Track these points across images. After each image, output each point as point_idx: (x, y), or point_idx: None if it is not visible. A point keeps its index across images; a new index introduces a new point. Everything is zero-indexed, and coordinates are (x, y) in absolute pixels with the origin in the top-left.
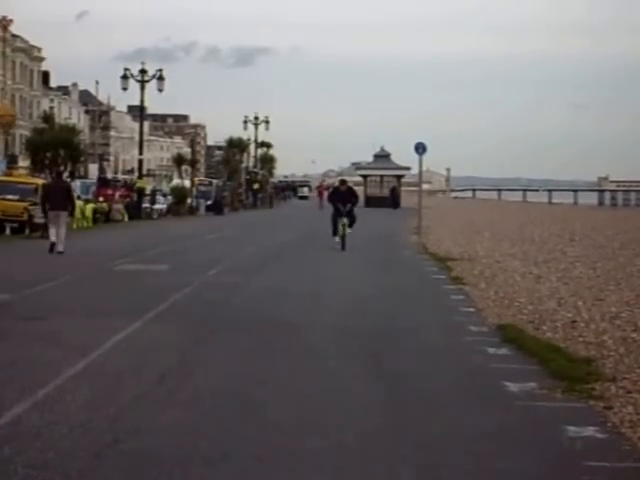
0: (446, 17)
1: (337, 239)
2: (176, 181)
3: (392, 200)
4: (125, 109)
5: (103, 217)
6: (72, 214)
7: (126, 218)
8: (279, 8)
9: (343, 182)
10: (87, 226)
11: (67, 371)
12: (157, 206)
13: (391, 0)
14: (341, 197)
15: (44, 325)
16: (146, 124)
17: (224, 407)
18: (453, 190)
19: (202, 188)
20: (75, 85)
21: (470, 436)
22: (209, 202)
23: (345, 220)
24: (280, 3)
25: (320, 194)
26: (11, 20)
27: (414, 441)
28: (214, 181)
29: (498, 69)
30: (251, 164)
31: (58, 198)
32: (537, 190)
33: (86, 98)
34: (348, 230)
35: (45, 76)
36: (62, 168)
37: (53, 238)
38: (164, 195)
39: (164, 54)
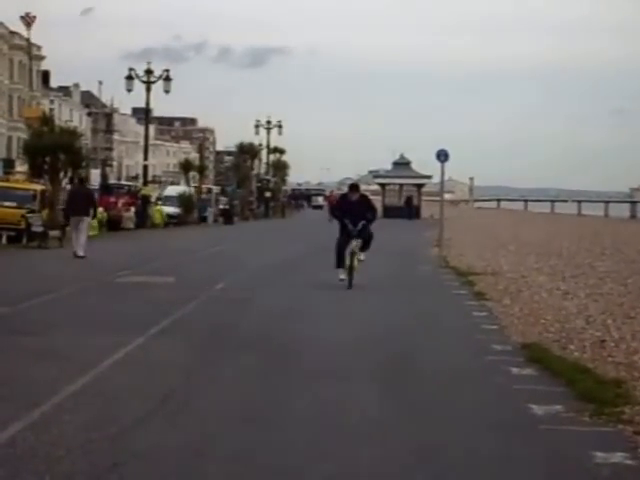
0: (472, 18)
1: (342, 274)
2: (170, 188)
3: (408, 210)
4: (129, 112)
5: (104, 226)
6: (94, 218)
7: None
8: (295, 6)
9: (354, 187)
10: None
11: (65, 389)
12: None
13: (411, 1)
14: (351, 209)
15: (41, 340)
16: (152, 128)
17: (230, 430)
18: (477, 200)
19: (202, 196)
20: (77, 86)
21: (492, 462)
22: (208, 210)
23: (355, 243)
24: (296, 1)
25: (330, 203)
26: (34, 17)
27: (432, 468)
28: (214, 188)
29: (527, 75)
30: (263, 171)
31: (81, 204)
32: (566, 201)
33: (88, 99)
34: (360, 257)
35: (45, 76)
36: (63, 173)
37: (76, 247)
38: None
39: (173, 54)
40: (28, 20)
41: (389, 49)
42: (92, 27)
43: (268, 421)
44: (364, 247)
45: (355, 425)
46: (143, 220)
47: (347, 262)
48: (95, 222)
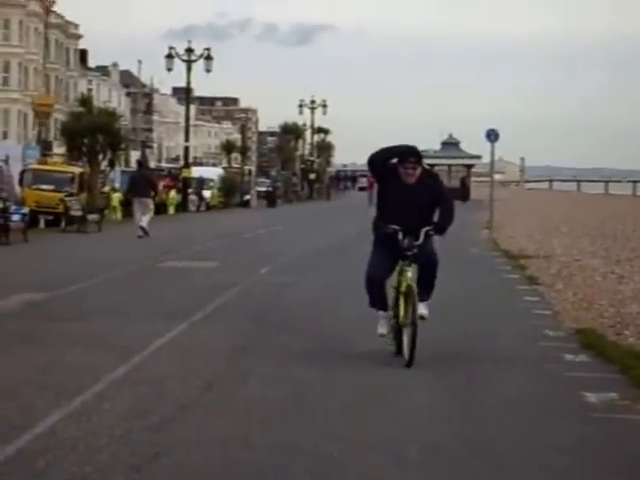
0: None
1: (383, 326)
2: (195, 169)
3: (461, 192)
4: (170, 91)
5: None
6: (154, 200)
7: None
8: None
9: (413, 156)
10: (115, 218)
11: (106, 377)
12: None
13: None
14: (404, 202)
15: (82, 327)
16: (192, 108)
17: (276, 418)
18: (528, 181)
19: (244, 178)
20: (115, 65)
21: (545, 450)
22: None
23: (410, 275)
24: None
25: (371, 185)
26: (54, 1)
27: (485, 456)
28: (252, 170)
29: (577, 50)
30: (307, 152)
31: (142, 186)
32: (620, 181)
33: (127, 79)
34: (422, 311)
35: (83, 55)
36: (101, 156)
37: (140, 223)
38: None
39: (217, 31)
40: (47, 4)
41: (437, 28)
42: (133, 4)
43: (312, 408)
44: (426, 287)
45: (408, 414)
46: (185, 203)
47: (396, 310)
48: (116, 203)
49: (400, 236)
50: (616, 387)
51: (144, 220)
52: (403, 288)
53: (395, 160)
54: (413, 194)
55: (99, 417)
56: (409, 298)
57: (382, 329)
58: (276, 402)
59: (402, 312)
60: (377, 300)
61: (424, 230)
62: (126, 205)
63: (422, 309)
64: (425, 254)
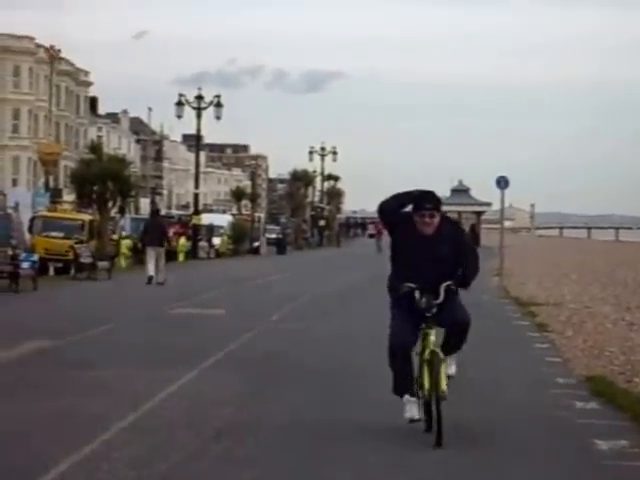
0: (533, 40)
1: (411, 409)
2: (205, 215)
3: (472, 238)
4: (180, 138)
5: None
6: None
7: (181, 257)
8: (353, 30)
9: (430, 201)
10: (125, 266)
11: (115, 425)
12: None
13: (472, 23)
14: (422, 255)
15: (92, 374)
16: (202, 155)
17: (285, 469)
18: (538, 228)
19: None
20: (125, 112)
21: None
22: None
23: (433, 337)
24: (356, 24)
25: (379, 232)
26: (59, 50)
27: None
28: (262, 216)
29: (588, 98)
30: (317, 199)
31: (155, 234)
32: (631, 228)
33: (137, 126)
34: (450, 370)
35: (93, 102)
36: (111, 203)
37: (151, 272)
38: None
39: (227, 78)
40: (53, 53)
41: (447, 75)
42: (144, 51)
43: (322, 459)
44: (453, 344)
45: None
46: (195, 250)
47: (420, 379)
48: (125, 250)
49: (417, 295)
50: (627, 434)
51: (160, 268)
52: (426, 355)
53: (409, 207)
54: (431, 246)
55: (108, 465)
56: (433, 367)
57: (410, 412)
58: (285, 453)
59: (427, 384)
60: (401, 378)
61: (444, 286)
62: (135, 252)
63: (452, 368)
64: (451, 315)
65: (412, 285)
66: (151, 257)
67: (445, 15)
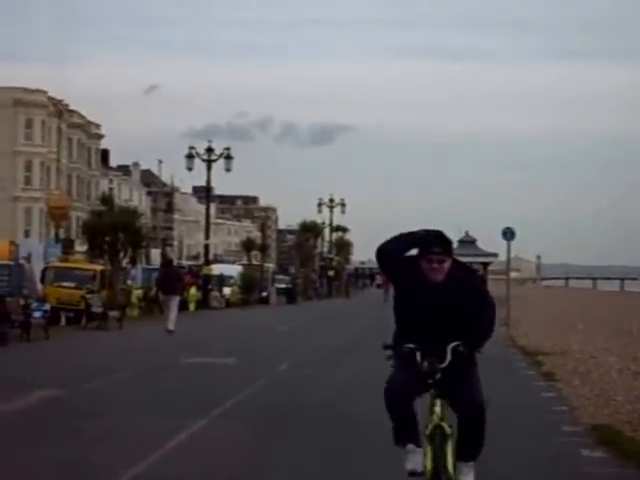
0: (538, 91)
1: (412, 461)
2: (215, 266)
3: None
4: (190, 190)
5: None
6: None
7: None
8: (362, 84)
9: (440, 244)
10: (133, 315)
11: (126, 473)
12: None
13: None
14: (428, 299)
15: (102, 423)
16: (213, 206)
17: None
18: (544, 278)
19: (264, 275)
20: (136, 165)
21: None
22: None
23: (439, 408)
24: (362, 78)
25: (385, 282)
26: (67, 105)
27: None
28: (270, 267)
29: (591, 152)
30: (326, 249)
31: (171, 283)
32: (636, 279)
33: (148, 178)
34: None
35: (104, 155)
36: (122, 253)
37: (170, 326)
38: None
39: (237, 131)
40: (60, 108)
41: (453, 128)
42: (155, 105)
43: None
44: (468, 442)
45: None
46: (206, 299)
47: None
48: (135, 300)
49: (418, 357)
50: None
51: (171, 316)
52: (428, 430)
53: (415, 251)
54: (439, 296)
55: None
56: (436, 444)
57: (412, 463)
58: None
59: (428, 465)
60: (401, 424)
61: (451, 347)
62: (147, 302)
63: (464, 474)
64: (462, 393)
65: (412, 345)
66: (167, 306)
67: (450, 71)
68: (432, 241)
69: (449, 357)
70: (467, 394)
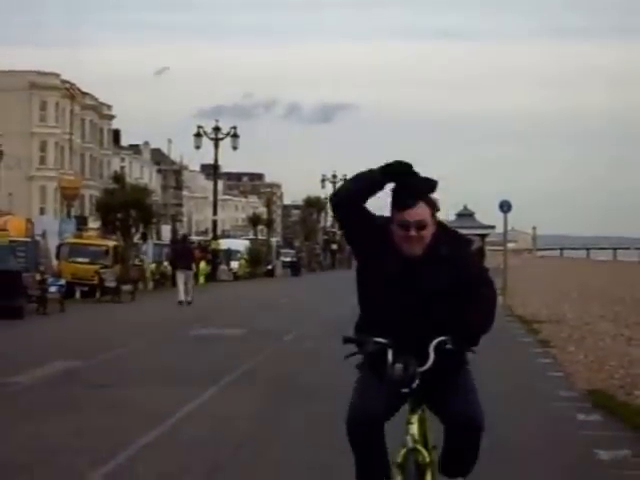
0: (532, 68)
1: None
2: (223, 241)
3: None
4: (198, 168)
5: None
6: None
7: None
8: (363, 63)
9: (415, 191)
10: (148, 288)
11: (139, 441)
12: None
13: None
14: (403, 278)
15: (115, 393)
16: (220, 183)
17: (304, 477)
18: (539, 249)
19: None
20: (147, 144)
21: None
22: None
23: (416, 419)
24: (363, 58)
25: None
26: (79, 89)
27: None
28: (274, 241)
29: (587, 125)
30: (329, 224)
31: (185, 259)
32: (628, 248)
33: (158, 157)
34: None
35: (116, 135)
36: (134, 229)
37: (181, 297)
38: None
39: (244, 111)
40: (73, 92)
41: (451, 105)
42: (165, 86)
43: (332, 468)
44: (456, 458)
45: None
46: (214, 273)
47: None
48: (148, 274)
49: (389, 358)
50: (627, 445)
51: (188, 288)
52: (400, 456)
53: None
54: (418, 275)
55: (134, 479)
56: (409, 476)
57: None
58: (302, 466)
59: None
60: (367, 465)
61: (434, 344)
62: (160, 276)
63: None
64: (452, 404)
65: (382, 340)
66: (181, 280)
67: (449, 48)
68: (406, 192)
69: (432, 357)
70: (457, 405)
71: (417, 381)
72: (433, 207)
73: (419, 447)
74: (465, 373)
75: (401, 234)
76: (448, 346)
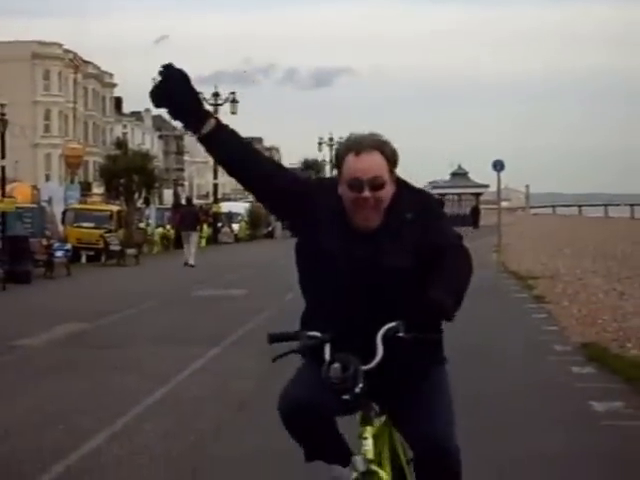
0: (524, 32)
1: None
2: (224, 204)
3: (473, 219)
4: None
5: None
6: (198, 232)
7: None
8: (359, 28)
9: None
10: (155, 251)
11: (146, 400)
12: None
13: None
14: (351, 256)
15: (122, 354)
16: None
17: None
18: (532, 207)
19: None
20: (148, 110)
21: (555, 457)
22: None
23: (369, 436)
24: (360, 22)
25: None
26: (81, 58)
27: (496, 464)
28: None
29: (580, 83)
30: None
31: (189, 221)
32: (619, 205)
33: (160, 123)
34: None
35: (117, 102)
36: (137, 194)
37: (190, 258)
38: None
39: (243, 76)
40: (76, 63)
41: (446, 68)
42: (165, 54)
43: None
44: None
45: None
46: (215, 235)
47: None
48: (157, 238)
49: (326, 354)
50: (621, 396)
51: (191, 251)
52: (352, 477)
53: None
54: (372, 250)
55: (140, 437)
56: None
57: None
58: None
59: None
60: (312, 444)
61: (381, 333)
62: (167, 239)
63: None
64: (413, 415)
65: (317, 334)
66: (187, 241)
67: (444, 12)
68: (356, 140)
69: (380, 351)
70: (419, 422)
71: (360, 384)
72: (391, 159)
73: (374, 468)
74: (438, 376)
75: (351, 197)
76: (401, 334)
